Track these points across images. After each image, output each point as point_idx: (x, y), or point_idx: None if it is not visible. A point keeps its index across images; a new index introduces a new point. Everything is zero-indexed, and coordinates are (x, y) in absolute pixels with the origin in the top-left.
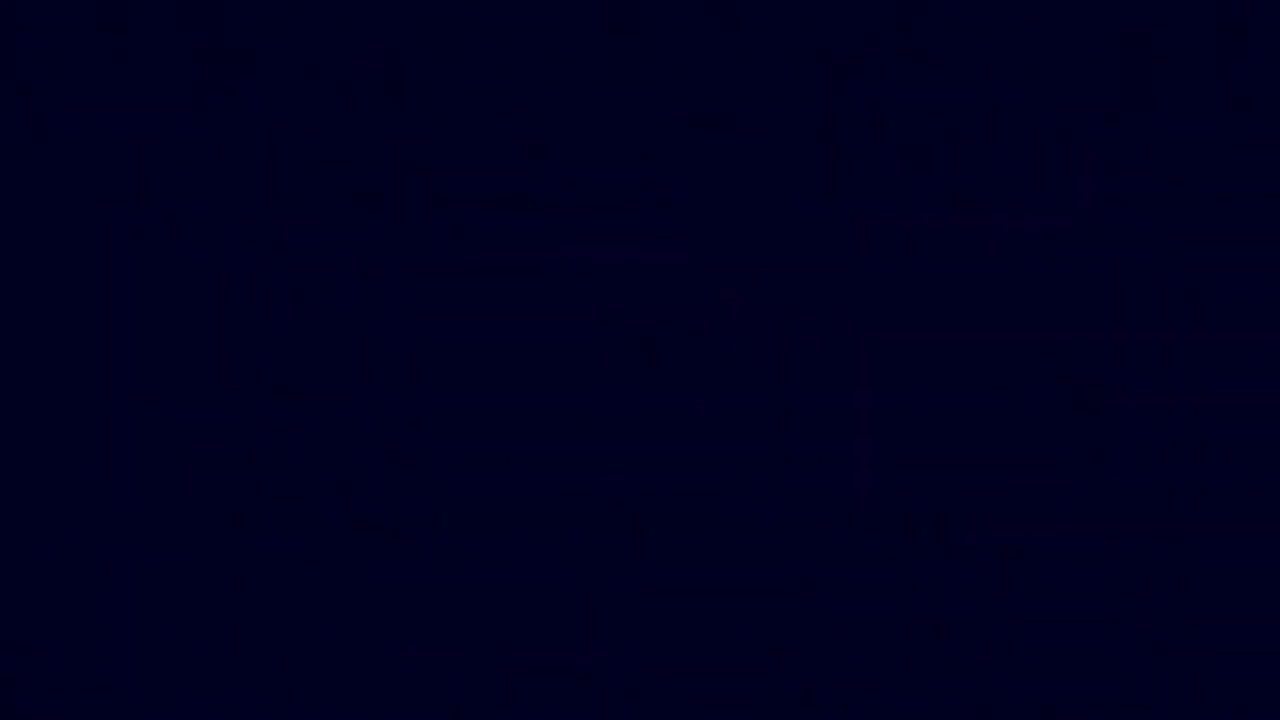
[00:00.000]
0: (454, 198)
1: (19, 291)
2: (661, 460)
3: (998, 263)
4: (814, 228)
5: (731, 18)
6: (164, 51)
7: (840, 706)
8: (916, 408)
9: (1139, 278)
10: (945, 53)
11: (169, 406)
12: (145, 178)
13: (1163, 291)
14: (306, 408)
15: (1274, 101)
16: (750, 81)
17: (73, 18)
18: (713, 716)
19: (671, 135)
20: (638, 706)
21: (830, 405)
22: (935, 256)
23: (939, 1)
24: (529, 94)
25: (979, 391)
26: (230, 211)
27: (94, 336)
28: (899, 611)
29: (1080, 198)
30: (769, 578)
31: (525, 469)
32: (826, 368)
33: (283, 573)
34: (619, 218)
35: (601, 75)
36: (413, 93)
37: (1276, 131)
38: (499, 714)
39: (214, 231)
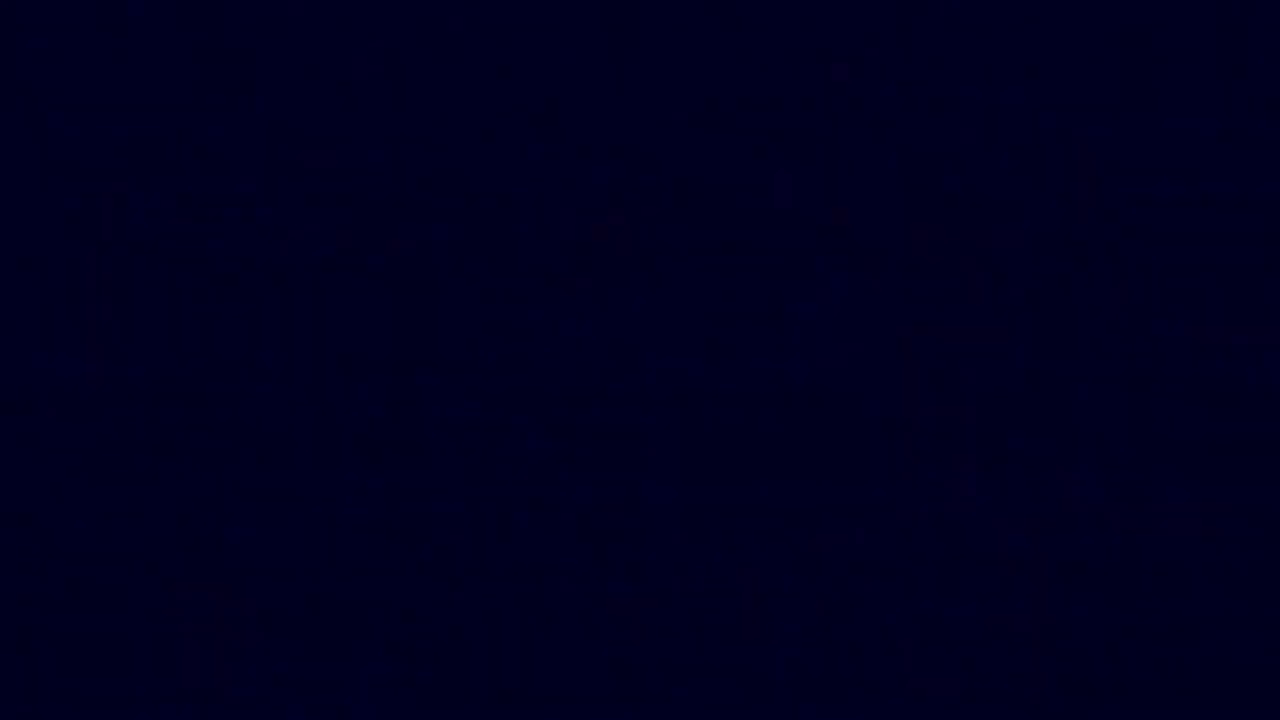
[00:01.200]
0: (452, 197)
1: (19, 291)
2: (661, 459)
3: (997, 262)
4: (813, 227)
5: (731, 18)
6: (164, 51)
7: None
8: (916, 406)
9: (1139, 278)
10: (945, 53)
11: (169, 404)
12: (145, 178)
13: (1162, 291)
14: (305, 406)
15: (1274, 101)
16: (750, 81)
17: (73, 18)
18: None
19: (671, 135)
20: (637, 705)
21: (829, 403)
22: (935, 255)
23: (939, 1)
24: (529, 94)
25: (978, 391)
26: (230, 211)
27: (95, 335)
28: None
29: (1080, 198)
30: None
31: (524, 467)
32: (825, 366)
33: (280, 573)
34: (618, 217)
35: (601, 75)
36: (413, 93)
37: (1277, 131)
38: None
39: (214, 231)
